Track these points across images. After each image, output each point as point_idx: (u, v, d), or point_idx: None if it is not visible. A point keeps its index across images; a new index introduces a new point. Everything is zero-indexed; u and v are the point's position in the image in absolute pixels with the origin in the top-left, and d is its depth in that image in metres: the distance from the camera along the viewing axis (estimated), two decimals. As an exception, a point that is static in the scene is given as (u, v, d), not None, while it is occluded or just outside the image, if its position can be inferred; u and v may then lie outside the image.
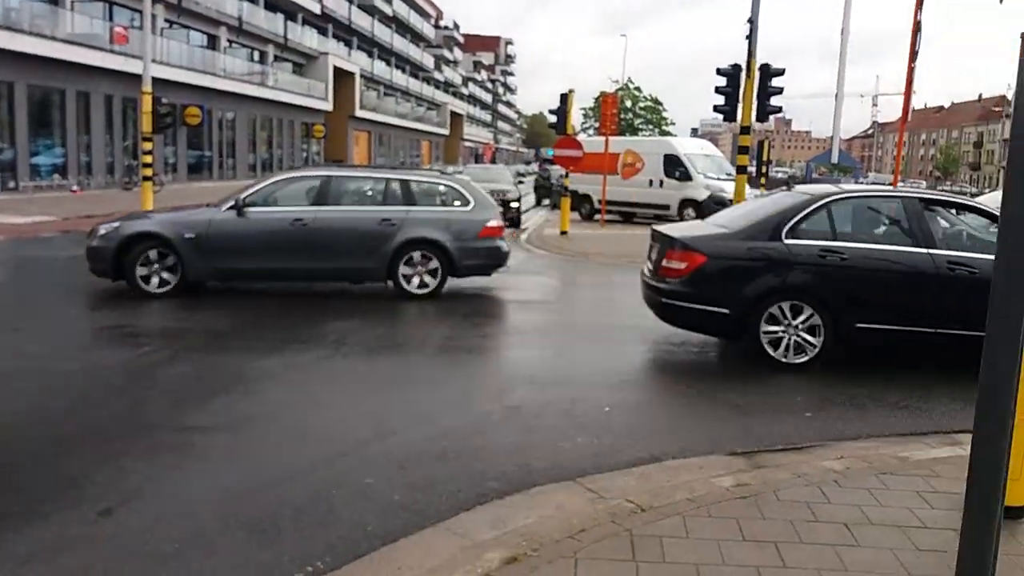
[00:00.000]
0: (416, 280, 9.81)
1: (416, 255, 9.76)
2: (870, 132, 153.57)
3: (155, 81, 21.01)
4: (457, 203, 10.15)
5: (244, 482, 4.25)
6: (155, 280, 9.26)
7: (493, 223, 10.19)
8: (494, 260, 10.29)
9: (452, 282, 10.17)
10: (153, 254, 9.25)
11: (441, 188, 10.44)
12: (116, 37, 28.30)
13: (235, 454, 4.69)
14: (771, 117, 15.40)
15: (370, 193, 10.25)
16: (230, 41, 39.86)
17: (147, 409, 5.51)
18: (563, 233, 18.83)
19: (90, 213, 21.11)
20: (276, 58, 45.29)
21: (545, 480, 4.34)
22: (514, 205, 20.95)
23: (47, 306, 9.12)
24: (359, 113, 54.51)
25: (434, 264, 9.80)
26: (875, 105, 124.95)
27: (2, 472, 4.33)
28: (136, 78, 21.34)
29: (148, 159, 20.29)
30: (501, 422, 5.34)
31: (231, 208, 9.51)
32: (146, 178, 20.05)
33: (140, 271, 9.23)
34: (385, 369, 6.76)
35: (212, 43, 38.27)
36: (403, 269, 9.75)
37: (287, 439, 4.94)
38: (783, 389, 6.33)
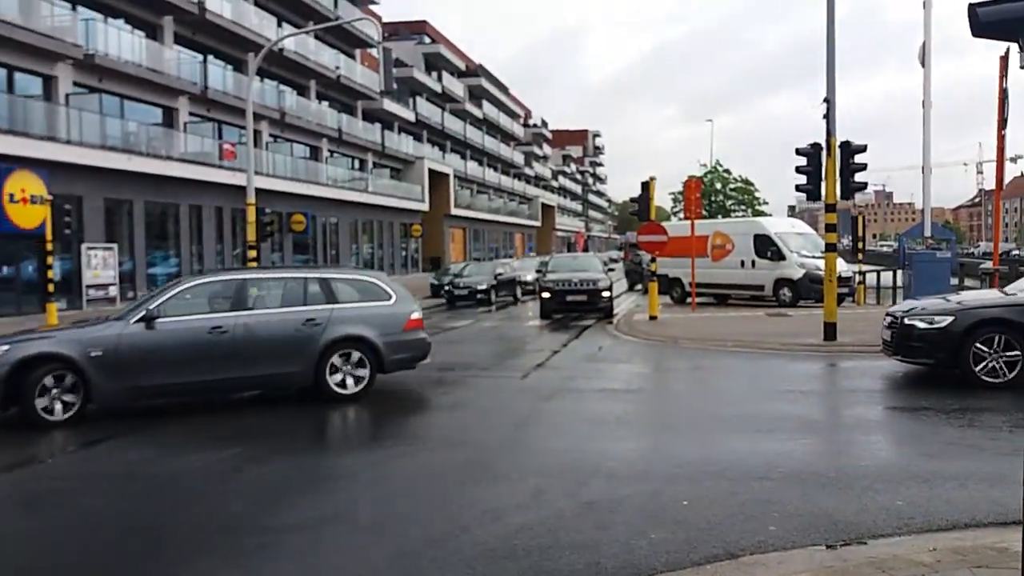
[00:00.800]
0: (346, 380, 9.45)
1: (345, 354, 9.40)
2: (977, 200, 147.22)
3: (262, 192, 22.44)
4: (379, 298, 9.99)
5: (313, 583, 4.30)
6: (57, 407, 8.33)
7: (416, 315, 10.12)
8: (419, 352, 10.17)
9: (533, 370, 10.15)
10: (54, 379, 8.31)
11: (361, 284, 10.22)
12: (225, 154, 30.50)
13: (310, 554, 4.75)
14: (868, 190, 15.09)
15: (289, 294, 9.76)
16: (331, 151, 42.29)
17: (231, 510, 5.69)
18: (652, 318, 18.62)
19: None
20: (375, 164, 47.67)
21: (614, 580, 4.21)
22: (605, 295, 20.09)
23: (150, 412, 9.60)
24: (454, 211, 56.38)
25: (362, 361, 9.47)
26: (980, 172, 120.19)
27: (95, 574, 4.54)
28: (244, 190, 22.84)
29: (253, 265, 21.49)
30: (574, 518, 5.22)
31: (140, 320, 8.81)
32: (251, 283, 21.19)
33: (40, 399, 8.24)
34: (460, 464, 6.76)
35: (315, 154, 40.68)
36: (332, 369, 9.36)
37: (361, 538, 5.01)
38: (877, 473, 5.97)
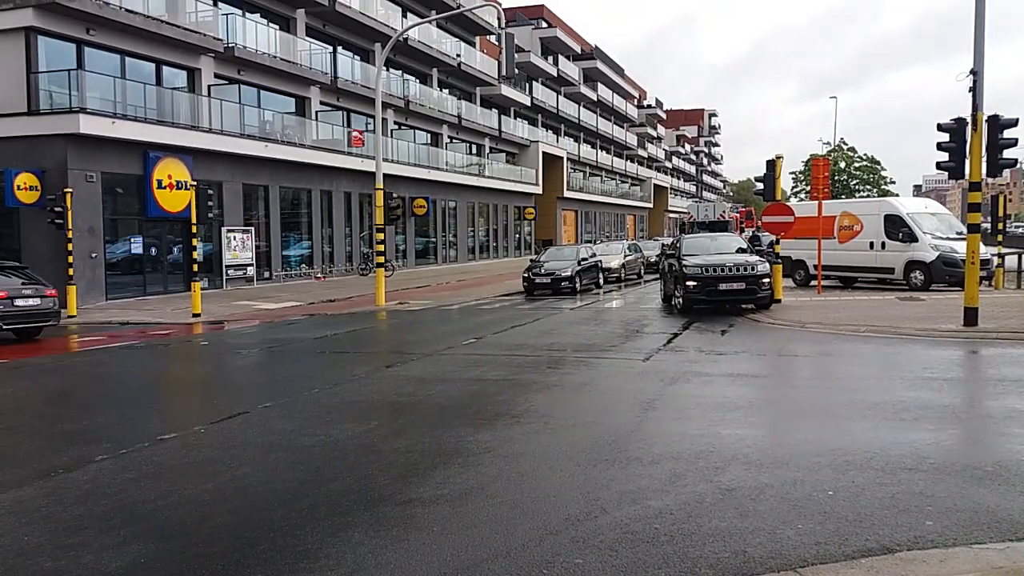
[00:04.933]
0: None
1: None
2: None
3: (386, 177, 23.09)
4: None
5: (460, 558, 4.41)
6: None
7: None
8: None
9: (655, 352, 9.95)
10: None
11: None
12: (353, 141, 31.60)
13: (452, 529, 4.87)
14: (1006, 170, 14.11)
15: None
16: (451, 137, 43.06)
17: (375, 482, 5.88)
18: (776, 301, 18.06)
19: (332, 298, 23.40)
20: (491, 149, 48.19)
21: (762, 569, 4.14)
22: (766, 281, 16.87)
23: (293, 385, 10.12)
24: (566, 194, 56.37)
25: None
26: None
27: (248, 542, 4.79)
28: (371, 175, 23.59)
29: (380, 247, 22.23)
30: (715, 505, 5.16)
31: None
32: (378, 264, 22.00)
33: None
34: (592, 445, 6.76)
35: (435, 140, 41.51)
36: None
37: (501, 514, 5.08)
38: (1040, 474, 5.61)
